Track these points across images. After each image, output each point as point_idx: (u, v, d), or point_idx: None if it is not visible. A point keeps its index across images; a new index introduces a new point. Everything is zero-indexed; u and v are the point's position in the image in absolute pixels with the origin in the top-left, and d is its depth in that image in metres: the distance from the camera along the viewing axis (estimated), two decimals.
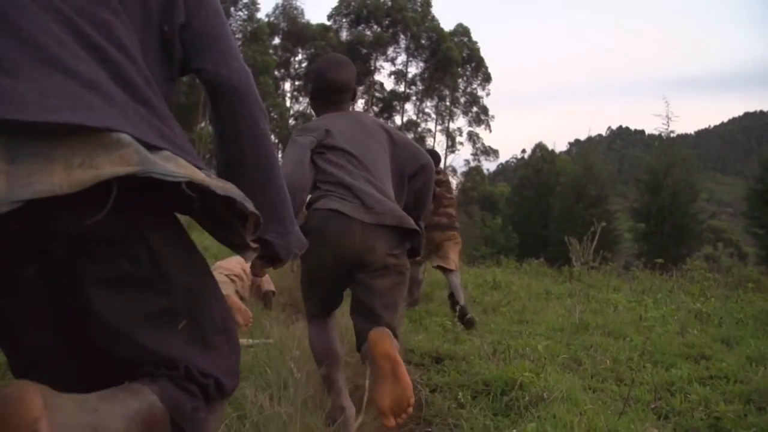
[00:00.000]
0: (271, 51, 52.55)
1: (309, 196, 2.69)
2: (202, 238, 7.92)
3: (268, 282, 5.98)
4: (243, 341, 4.00)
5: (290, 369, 3.16)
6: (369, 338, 2.32)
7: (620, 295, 8.40)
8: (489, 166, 56.49)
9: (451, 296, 6.21)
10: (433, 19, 54.97)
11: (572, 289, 9.27)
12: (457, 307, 5.67)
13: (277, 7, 54.44)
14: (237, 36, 49.66)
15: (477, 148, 56.65)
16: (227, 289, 5.29)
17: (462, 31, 55.83)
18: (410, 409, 2.20)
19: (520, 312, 6.73)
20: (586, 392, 3.31)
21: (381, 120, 3.28)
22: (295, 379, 2.88)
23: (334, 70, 2.96)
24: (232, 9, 49.47)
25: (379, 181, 2.65)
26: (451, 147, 56.24)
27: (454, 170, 56.21)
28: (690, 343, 4.83)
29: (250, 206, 1.18)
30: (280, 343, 3.84)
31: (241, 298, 5.50)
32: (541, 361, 3.70)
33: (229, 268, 5.60)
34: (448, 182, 7.04)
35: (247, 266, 5.81)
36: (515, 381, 3.15)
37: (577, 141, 56.94)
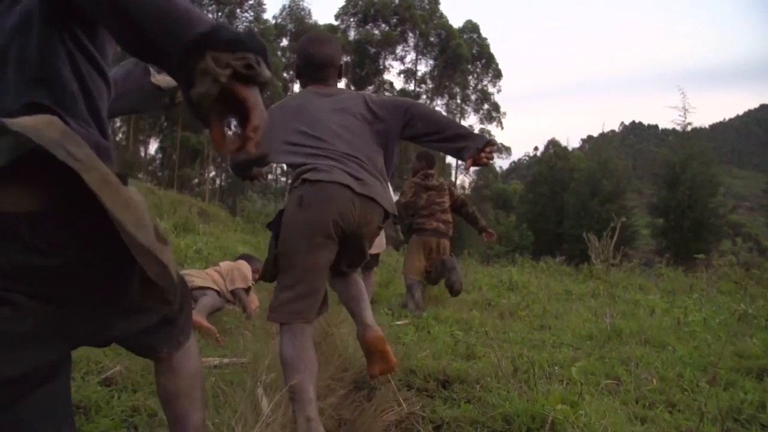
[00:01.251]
0: (279, 53, 52.05)
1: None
2: (196, 240, 7.18)
3: (254, 299, 5.37)
4: (212, 360, 3.32)
5: (259, 396, 2.52)
6: (368, 339, 2.80)
7: (650, 296, 7.70)
8: (501, 163, 55.82)
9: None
10: (442, 16, 54.20)
11: (595, 289, 8.56)
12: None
13: (284, 8, 53.96)
14: None
15: None
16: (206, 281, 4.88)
17: (471, 27, 55.04)
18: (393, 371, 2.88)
19: (540, 316, 6.04)
20: (632, 424, 2.61)
21: (362, 93, 2.98)
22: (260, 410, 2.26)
23: (315, 46, 2.94)
24: (238, 10, 49.05)
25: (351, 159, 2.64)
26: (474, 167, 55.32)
27: (466, 168, 55.53)
28: (745, 353, 4.10)
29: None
30: (254, 362, 3.16)
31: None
32: (575, 385, 2.97)
33: (211, 273, 5.13)
34: (441, 186, 6.84)
35: (241, 270, 5.35)
36: (545, 417, 2.42)
37: (590, 137, 55.90)
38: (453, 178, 51.15)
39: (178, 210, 12.43)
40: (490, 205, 47.70)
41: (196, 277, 4.85)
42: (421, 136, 2.83)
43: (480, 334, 4.80)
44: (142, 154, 49.73)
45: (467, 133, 2.77)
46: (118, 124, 51.33)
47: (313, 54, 2.91)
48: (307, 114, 2.74)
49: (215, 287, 4.87)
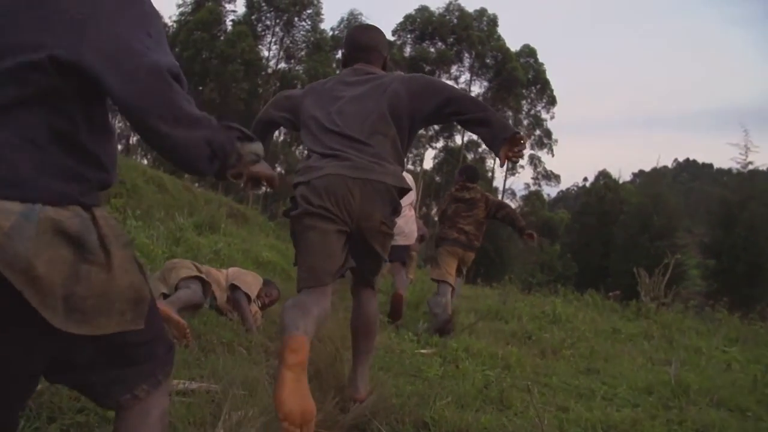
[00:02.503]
0: (334, 64, 51.94)
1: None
2: (217, 239, 6.56)
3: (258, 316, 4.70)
4: (174, 383, 2.66)
5: None
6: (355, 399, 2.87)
7: (713, 343, 6.84)
8: (549, 191, 54.51)
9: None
10: (499, 38, 53.31)
11: (647, 330, 7.71)
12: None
13: (342, 20, 53.69)
14: (300, 46, 49.27)
15: (538, 172, 54.78)
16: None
17: (528, 51, 54.07)
18: None
19: (587, 357, 5.29)
20: None
21: (399, 75, 2.98)
22: None
23: (359, 31, 3.22)
24: (296, 19, 49.02)
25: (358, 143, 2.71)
26: (512, 169, 54.36)
27: (513, 193, 54.47)
28: None
29: None
30: (227, 393, 2.49)
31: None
32: None
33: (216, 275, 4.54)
34: (473, 200, 6.65)
35: (251, 277, 4.77)
36: None
37: (642, 171, 54.35)
38: None
39: (207, 208, 11.90)
40: (535, 232, 46.57)
41: (183, 268, 4.24)
42: (450, 115, 2.86)
43: (517, 375, 4.06)
44: None
45: (493, 120, 2.77)
46: None
47: (355, 36, 3.12)
48: (329, 102, 2.84)
49: (202, 277, 4.25)
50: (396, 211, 2.82)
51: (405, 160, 2.96)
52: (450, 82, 42.55)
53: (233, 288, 4.49)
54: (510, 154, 2.71)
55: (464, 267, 6.64)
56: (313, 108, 2.85)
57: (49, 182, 1.28)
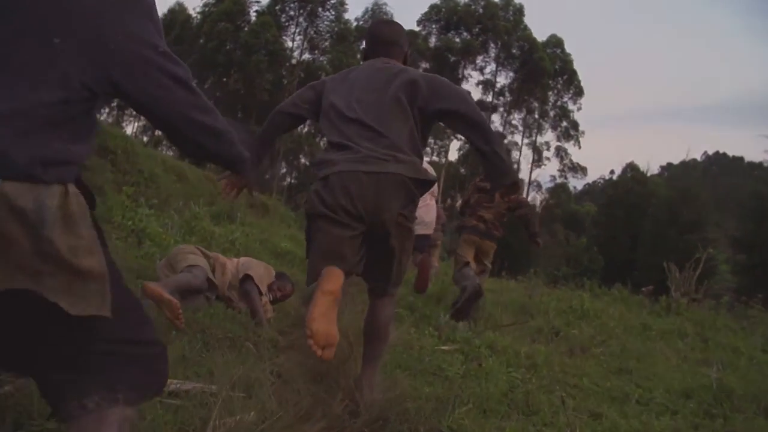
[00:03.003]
0: (358, 56, 51.61)
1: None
2: (231, 229, 6.32)
3: (268, 308, 4.43)
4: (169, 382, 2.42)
5: None
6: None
7: (749, 343, 6.49)
8: (575, 183, 53.83)
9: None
10: (526, 28, 52.57)
11: (679, 327, 7.35)
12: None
13: (366, 11, 53.30)
14: (324, 37, 49.08)
15: (564, 164, 54.00)
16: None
17: (555, 42, 53.23)
18: None
19: (618, 356, 4.98)
20: None
21: (418, 72, 2.90)
22: None
23: (380, 25, 3.34)
24: (320, 9, 48.75)
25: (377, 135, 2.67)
26: (537, 161, 53.75)
27: (539, 185, 53.86)
28: None
29: None
30: (224, 395, 2.24)
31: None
32: None
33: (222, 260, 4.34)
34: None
35: (263, 268, 4.51)
36: None
37: (670, 165, 53.45)
38: (525, 195, 49.72)
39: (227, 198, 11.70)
40: (560, 225, 46.04)
41: (189, 254, 4.06)
42: (451, 128, 3.00)
43: (544, 375, 3.78)
44: None
45: (497, 162, 2.75)
46: None
47: (377, 30, 3.17)
48: (348, 90, 2.81)
49: (205, 268, 4.04)
50: (415, 203, 2.77)
51: (423, 151, 2.92)
52: (475, 73, 42.31)
53: (244, 278, 4.25)
54: (505, 198, 2.88)
55: (486, 259, 6.52)
56: (333, 96, 2.83)
57: (13, 157, 1.24)
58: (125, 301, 1.44)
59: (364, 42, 3.22)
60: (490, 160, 2.72)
